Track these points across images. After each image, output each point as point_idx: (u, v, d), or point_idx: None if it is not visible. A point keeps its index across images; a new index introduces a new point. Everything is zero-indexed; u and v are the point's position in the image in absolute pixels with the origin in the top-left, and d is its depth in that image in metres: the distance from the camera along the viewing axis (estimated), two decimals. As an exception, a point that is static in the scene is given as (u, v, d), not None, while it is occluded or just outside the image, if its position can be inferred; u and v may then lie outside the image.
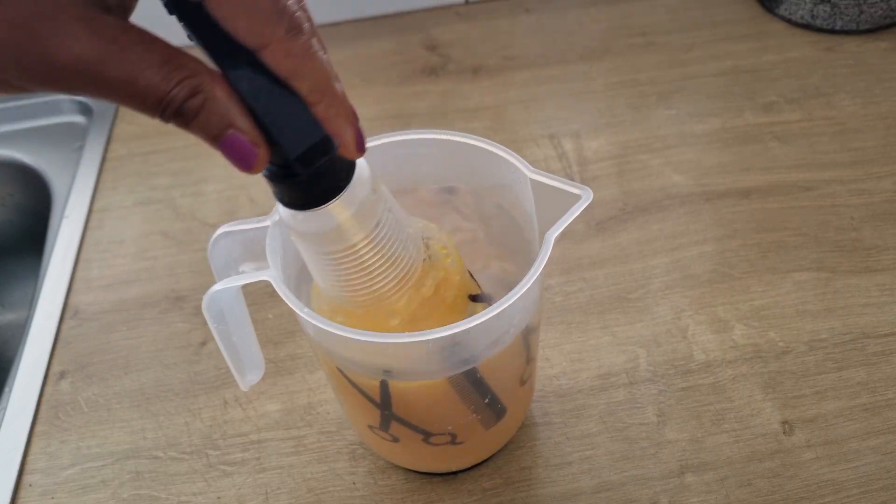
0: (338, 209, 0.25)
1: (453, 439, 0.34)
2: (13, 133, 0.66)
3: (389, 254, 0.27)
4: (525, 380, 0.36)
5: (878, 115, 0.59)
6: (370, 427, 0.34)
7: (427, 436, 0.33)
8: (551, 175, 0.30)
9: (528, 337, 0.33)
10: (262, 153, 0.22)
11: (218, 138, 0.21)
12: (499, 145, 0.32)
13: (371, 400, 0.32)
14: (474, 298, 0.31)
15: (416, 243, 0.29)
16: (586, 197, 0.29)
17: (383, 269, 0.27)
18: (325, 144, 0.23)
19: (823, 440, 0.40)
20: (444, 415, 0.33)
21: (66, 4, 0.20)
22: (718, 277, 0.48)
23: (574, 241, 0.51)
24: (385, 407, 0.32)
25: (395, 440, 0.34)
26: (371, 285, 0.27)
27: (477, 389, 0.32)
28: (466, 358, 0.30)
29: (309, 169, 0.23)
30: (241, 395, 0.44)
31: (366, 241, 0.26)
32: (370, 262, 0.26)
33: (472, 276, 0.32)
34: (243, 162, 0.22)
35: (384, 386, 0.30)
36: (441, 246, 0.31)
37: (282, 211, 0.26)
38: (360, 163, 0.25)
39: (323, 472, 0.40)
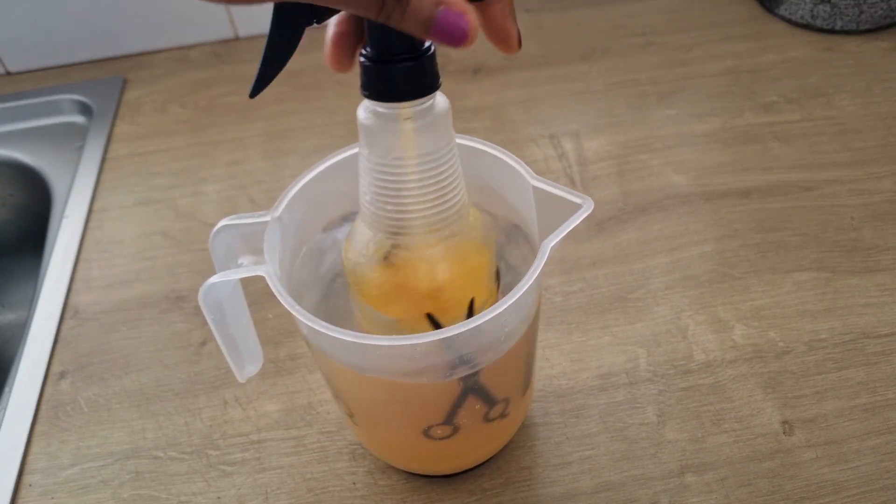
0: (419, 113, 0.25)
1: (506, 408, 0.34)
2: (13, 133, 0.66)
3: (450, 180, 0.27)
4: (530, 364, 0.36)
5: (878, 115, 0.59)
6: (426, 430, 0.33)
7: (491, 406, 0.33)
8: (553, 183, 0.30)
9: (528, 337, 0.33)
10: (474, 20, 0.22)
11: (430, 20, 0.22)
12: (503, 150, 0.32)
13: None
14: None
15: (464, 197, 0.29)
16: (587, 206, 0.29)
17: (444, 189, 0.27)
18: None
19: (823, 440, 0.40)
20: (506, 367, 0.33)
21: None
22: (718, 277, 0.48)
23: (574, 241, 0.51)
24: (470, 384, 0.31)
25: (455, 432, 0.33)
26: (432, 204, 0.27)
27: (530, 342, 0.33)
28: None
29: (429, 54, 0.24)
30: (241, 395, 0.44)
31: (432, 157, 0.26)
32: (438, 176, 0.27)
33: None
34: (459, 33, 0.22)
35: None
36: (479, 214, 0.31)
37: (362, 113, 0.26)
38: (442, 96, 0.26)
39: (323, 472, 0.40)
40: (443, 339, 0.26)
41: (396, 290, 0.29)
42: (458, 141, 0.33)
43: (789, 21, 0.69)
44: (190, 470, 0.41)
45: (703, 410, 0.41)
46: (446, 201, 0.28)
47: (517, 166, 0.31)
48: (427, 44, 0.24)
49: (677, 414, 0.41)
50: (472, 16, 0.22)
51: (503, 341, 0.31)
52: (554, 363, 0.44)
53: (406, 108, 0.25)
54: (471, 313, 0.30)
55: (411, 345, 0.27)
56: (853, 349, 0.44)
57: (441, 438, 0.34)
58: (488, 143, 0.33)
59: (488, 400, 0.33)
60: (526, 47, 0.69)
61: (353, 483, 0.40)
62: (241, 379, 0.34)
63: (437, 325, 0.30)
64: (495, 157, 0.32)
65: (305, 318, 0.27)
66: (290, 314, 0.28)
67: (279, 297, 0.28)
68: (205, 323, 0.48)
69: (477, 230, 0.30)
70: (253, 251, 0.31)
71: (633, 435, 0.40)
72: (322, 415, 0.43)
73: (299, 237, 0.33)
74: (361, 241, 0.29)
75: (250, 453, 0.41)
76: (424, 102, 0.26)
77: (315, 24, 0.24)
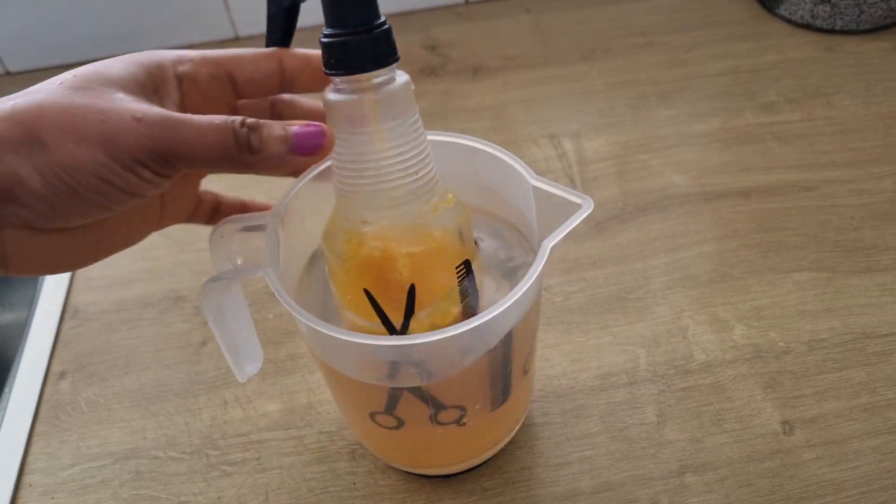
0: (377, 84, 0.27)
1: (460, 417, 0.34)
2: (13, 133, 0.66)
3: (412, 154, 0.28)
4: (527, 370, 0.36)
5: (878, 115, 0.59)
6: (372, 415, 0.34)
7: (437, 410, 0.33)
8: (554, 183, 0.30)
9: (529, 330, 0.33)
10: (329, 130, 0.26)
11: (286, 151, 0.25)
12: (502, 149, 0.32)
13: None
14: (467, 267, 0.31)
15: (434, 173, 0.30)
16: (587, 206, 0.29)
17: (407, 163, 0.28)
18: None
19: (823, 440, 0.40)
20: (460, 382, 0.33)
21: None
22: (718, 277, 0.48)
23: (574, 241, 0.51)
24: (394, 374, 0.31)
25: (400, 424, 0.34)
26: (402, 175, 0.28)
27: (503, 362, 0.32)
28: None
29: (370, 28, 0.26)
30: (241, 395, 0.44)
31: (396, 129, 0.27)
32: (399, 148, 0.28)
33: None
34: (317, 142, 0.26)
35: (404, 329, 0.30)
36: (455, 197, 0.31)
37: (326, 93, 0.28)
38: (402, 73, 0.28)
39: (323, 472, 0.40)
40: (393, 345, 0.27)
41: (359, 269, 0.30)
42: (459, 140, 0.33)
43: (789, 21, 0.69)
44: (190, 470, 0.41)
45: (703, 410, 0.41)
46: (409, 175, 0.28)
47: (517, 166, 0.32)
48: (381, 19, 0.26)
49: (677, 414, 0.41)
50: (326, 128, 0.26)
51: (463, 354, 0.30)
52: (554, 363, 0.44)
53: (367, 80, 0.27)
54: (410, 301, 0.30)
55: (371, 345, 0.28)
56: (853, 349, 0.44)
57: (388, 427, 0.34)
58: (488, 142, 0.33)
59: (430, 402, 0.32)
60: (526, 47, 0.69)
61: (353, 483, 0.40)
62: (241, 379, 0.34)
63: (374, 302, 0.30)
64: (495, 156, 0.32)
65: (304, 318, 0.27)
66: (289, 315, 0.28)
67: (278, 297, 0.28)
68: (205, 323, 0.48)
69: (449, 215, 0.30)
70: (253, 251, 0.31)
71: (633, 435, 0.40)
72: (322, 415, 0.43)
73: (299, 237, 0.33)
74: (334, 221, 0.30)
75: (250, 453, 0.41)
76: (382, 75, 0.27)
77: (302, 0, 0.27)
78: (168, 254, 0.53)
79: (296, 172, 0.32)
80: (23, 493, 0.41)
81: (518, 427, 0.40)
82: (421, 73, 0.67)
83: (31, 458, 0.42)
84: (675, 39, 0.69)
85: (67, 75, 0.24)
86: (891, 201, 0.52)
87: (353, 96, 0.27)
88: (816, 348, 0.44)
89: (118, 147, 0.23)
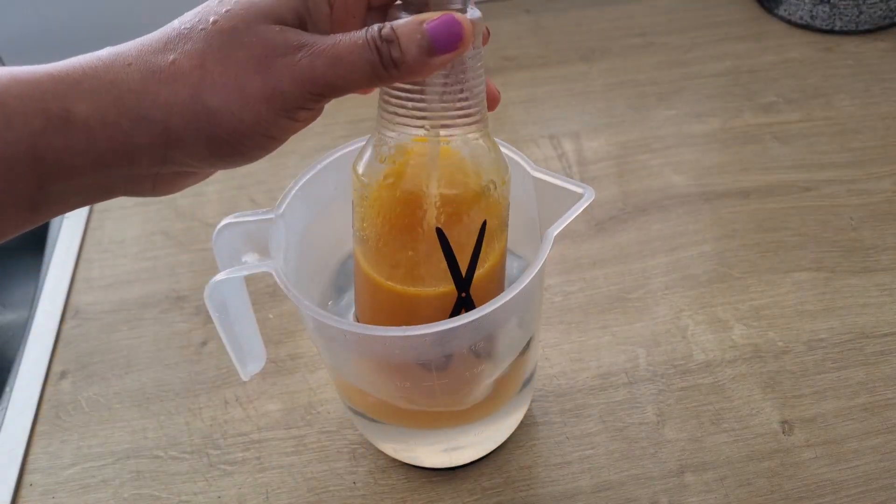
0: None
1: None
2: (14, 133, 0.66)
3: (470, 76, 0.27)
4: (527, 357, 0.36)
5: (878, 115, 0.59)
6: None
7: (479, 356, 0.32)
8: (554, 173, 0.30)
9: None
10: (465, 20, 0.24)
11: (426, 45, 0.24)
12: (502, 142, 0.32)
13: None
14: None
15: (485, 113, 0.28)
16: (588, 195, 0.29)
17: (464, 84, 0.27)
18: None
19: (823, 440, 0.40)
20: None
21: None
22: (718, 277, 0.48)
23: (574, 241, 0.51)
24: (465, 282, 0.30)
25: (449, 360, 0.32)
26: (454, 95, 0.27)
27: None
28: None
29: None
30: (241, 394, 0.44)
31: (472, 58, 0.26)
32: (461, 65, 0.26)
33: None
34: (455, 31, 0.24)
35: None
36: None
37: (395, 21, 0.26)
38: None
39: (323, 471, 0.40)
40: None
41: (404, 197, 0.29)
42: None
43: (788, 21, 0.69)
44: (191, 469, 0.41)
45: (702, 410, 0.41)
46: (464, 98, 0.27)
47: (517, 158, 0.32)
48: None
49: (677, 413, 0.41)
50: (463, 18, 0.24)
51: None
52: (553, 363, 0.44)
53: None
54: (480, 238, 0.29)
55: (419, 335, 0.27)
56: (852, 349, 0.44)
57: (437, 369, 0.33)
58: None
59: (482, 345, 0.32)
60: (526, 48, 0.69)
61: (354, 482, 0.40)
62: (244, 377, 0.34)
63: (446, 243, 0.29)
64: None
65: (312, 312, 0.27)
66: (290, 314, 0.28)
67: (286, 292, 0.28)
68: (205, 322, 0.48)
69: (492, 156, 0.29)
70: (256, 249, 0.31)
71: (633, 434, 0.41)
72: (322, 414, 0.43)
73: (302, 234, 0.34)
74: (373, 147, 0.29)
75: (251, 453, 0.41)
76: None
77: None
78: (168, 254, 0.53)
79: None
80: (24, 492, 0.41)
81: (519, 423, 0.40)
82: (421, 74, 0.67)
83: (31, 457, 0.42)
84: (674, 40, 0.69)
85: (216, 8, 0.24)
86: (890, 201, 0.52)
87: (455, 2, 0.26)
88: (815, 348, 0.44)
89: (283, 101, 0.23)
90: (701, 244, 0.50)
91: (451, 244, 0.29)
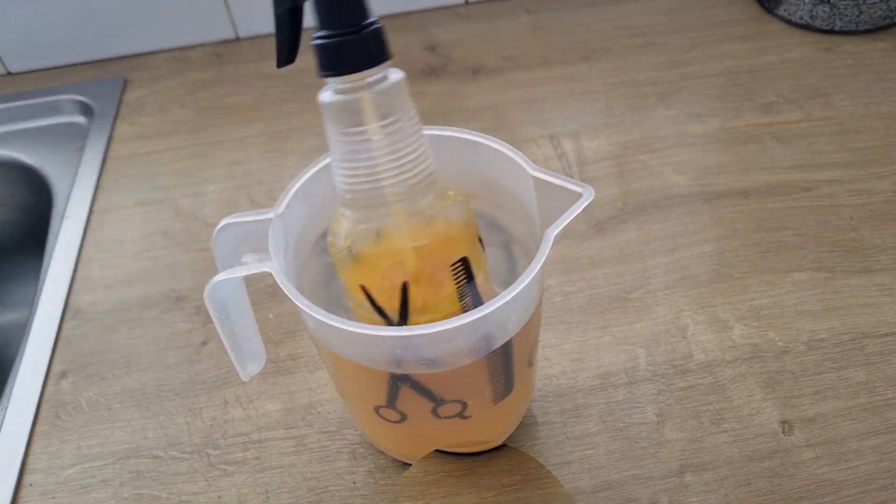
0: (370, 83, 0.27)
1: (462, 410, 0.34)
2: (14, 133, 0.66)
3: (411, 150, 0.28)
4: (531, 362, 0.36)
5: (878, 115, 0.59)
6: (377, 409, 0.34)
7: (437, 404, 0.33)
8: (553, 173, 0.30)
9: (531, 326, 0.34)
10: None
11: None
12: (502, 142, 0.32)
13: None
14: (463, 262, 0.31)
15: (431, 171, 0.30)
16: (587, 195, 0.29)
17: (405, 160, 0.28)
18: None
19: (823, 440, 0.40)
20: (461, 377, 0.33)
21: None
22: (718, 277, 0.48)
23: (574, 241, 0.51)
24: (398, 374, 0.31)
25: (402, 418, 0.34)
26: (398, 173, 0.28)
27: (503, 356, 0.32)
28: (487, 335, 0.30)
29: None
30: (241, 394, 0.44)
31: (389, 127, 0.28)
32: (396, 144, 0.28)
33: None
34: None
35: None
36: (456, 194, 0.31)
37: (321, 95, 0.28)
38: (396, 71, 0.28)
39: (323, 471, 0.40)
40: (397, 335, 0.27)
41: (359, 265, 0.30)
42: (458, 135, 0.33)
43: (788, 21, 0.69)
44: (190, 469, 0.41)
45: (702, 410, 0.41)
46: (404, 173, 0.28)
47: (516, 157, 0.32)
48: (373, 18, 0.27)
49: (677, 413, 0.41)
50: None
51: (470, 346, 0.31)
52: (553, 363, 0.44)
53: (359, 80, 0.27)
54: (404, 298, 0.30)
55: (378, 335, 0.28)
56: (852, 349, 0.44)
57: (392, 421, 0.34)
58: (487, 135, 0.33)
59: (430, 396, 0.32)
60: (526, 47, 0.69)
61: (354, 482, 0.40)
62: (244, 377, 0.34)
63: (371, 299, 0.30)
64: (494, 149, 0.32)
65: (313, 312, 0.27)
66: (290, 314, 0.28)
67: (286, 292, 0.28)
68: (205, 323, 0.48)
69: (448, 212, 0.30)
70: (255, 249, 0.31)
71: (633, 434, 0.41)
72: (322, 414, 0.43)
73: (301, 234, 0.34)
74: (338, 221, 0.30)
75: (251, 453, 0.41)
76: (374, 74, 0.27)
77: None
78: (168, 254, 0.53)
79: None
80: (23, 492, 0.41)
81: (519, 423, 0.40)
82: (421, 74, 0.67)
83: (31, 457, 0.42)
84: (674, 40, 0.69)
85: None
86: (890, 201, 0.52)
87: (346, 96, 0.27)
88: (815, 348, 0.44)
89: None
90: (701, 244, 0.50)
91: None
